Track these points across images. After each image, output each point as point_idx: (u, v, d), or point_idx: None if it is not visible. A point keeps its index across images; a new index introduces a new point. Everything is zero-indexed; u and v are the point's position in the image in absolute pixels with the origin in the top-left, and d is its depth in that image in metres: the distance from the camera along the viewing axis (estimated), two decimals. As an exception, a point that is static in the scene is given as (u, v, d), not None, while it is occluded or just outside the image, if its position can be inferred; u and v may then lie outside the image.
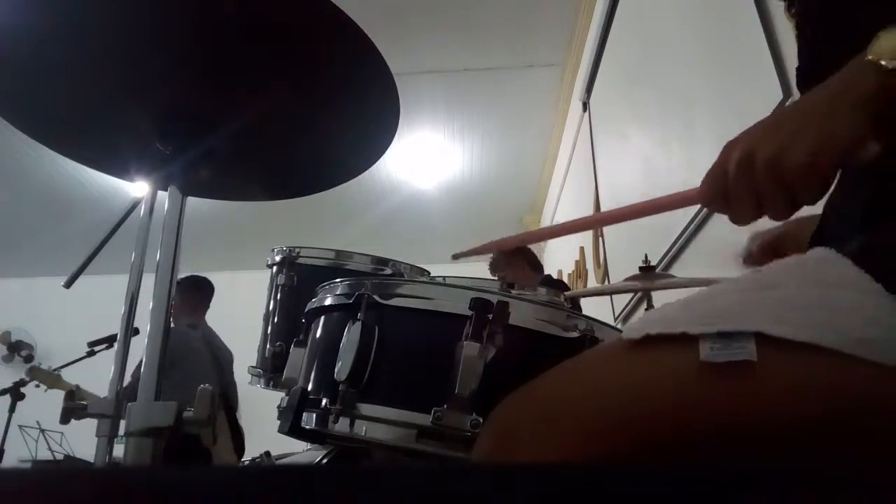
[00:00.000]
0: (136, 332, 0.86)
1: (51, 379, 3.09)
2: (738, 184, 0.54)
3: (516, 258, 2.69)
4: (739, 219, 0.56)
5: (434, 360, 0.70)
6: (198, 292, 3.13)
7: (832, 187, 0.56)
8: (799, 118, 0.52)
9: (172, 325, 2.75)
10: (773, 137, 0.52)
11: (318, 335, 0.84)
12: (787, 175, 0.51)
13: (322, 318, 0.84)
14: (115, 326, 0.89)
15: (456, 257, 0.80)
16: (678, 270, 2.26)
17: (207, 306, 3.18)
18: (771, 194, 0.52)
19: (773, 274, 0.54)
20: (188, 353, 2.77)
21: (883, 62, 0.48)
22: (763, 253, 1.04)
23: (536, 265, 2.79)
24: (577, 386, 0.56)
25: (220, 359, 2.99)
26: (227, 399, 2.90)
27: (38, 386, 3.14)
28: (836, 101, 0.51)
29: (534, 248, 6.06)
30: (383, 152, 0.94)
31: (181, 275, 0.81)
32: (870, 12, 0.57)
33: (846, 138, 0.49)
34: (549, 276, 3.14)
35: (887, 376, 0.46)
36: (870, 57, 0.49)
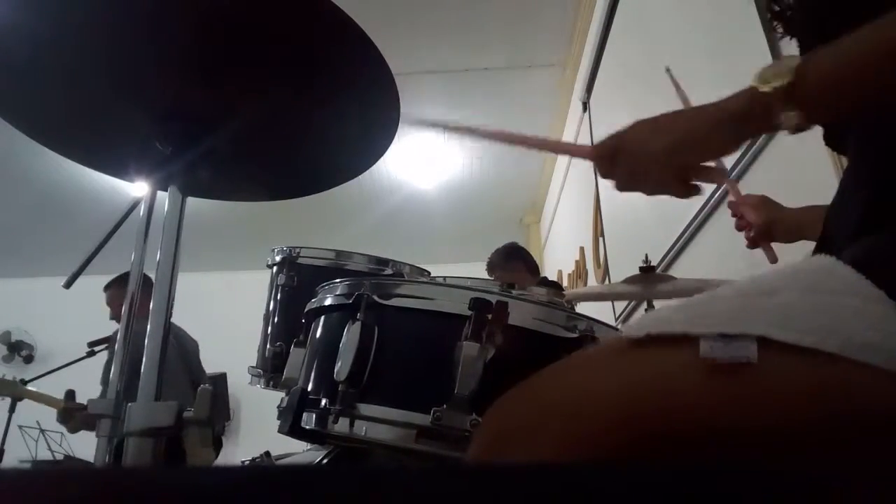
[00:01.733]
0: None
1: (9, 388, 3.03)
2: (617, 157, 0.65)
3: (514, 261, 2.69)
4: (620, 185, 0.67)
5: (434, 360, 0.70)
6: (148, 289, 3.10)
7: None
8: (675, 118, 0.63)
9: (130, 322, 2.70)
10: (647, 129, 0.63)
11: (317, 335, 0.84)
12: (645, 161, 0.62)
13: (322, 318, 0.84)
14: (114, 326, 0.89)
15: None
16: (678, 271, 2.26)
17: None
18: (638, 172, 0.64)
19: (774, 280, 0.54)
20: None
21: (761, 87, 0.54)
22: (755, 225, 1.08)
23: (534, 268, 2.78)
24: (574, 385, 0.55)
25: (187, 348, 2.91)
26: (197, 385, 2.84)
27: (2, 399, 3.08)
28: (711, 112, 0.59)
29: (534, 251, 6.08)
30: (383, 152, 0.94)
31: (181, 275, 0.81)
32: (851, 22, 0.58)
33: (707, 142, 0.59)
34: (545, 278, 3.13)
35: (889, 381, 0.46)
36: (751, 83, 0.55)
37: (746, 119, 0.56)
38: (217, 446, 2.79)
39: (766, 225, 1.08)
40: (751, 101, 0.55)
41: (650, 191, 0.64)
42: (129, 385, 0.74)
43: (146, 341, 0.73)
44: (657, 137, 0.61)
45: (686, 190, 0.64)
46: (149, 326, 0.74)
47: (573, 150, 0.74)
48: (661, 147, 0.61)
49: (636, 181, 0.65)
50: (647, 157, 0.62)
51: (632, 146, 0.64)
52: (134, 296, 0.87)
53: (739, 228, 1.12)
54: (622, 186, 0.67)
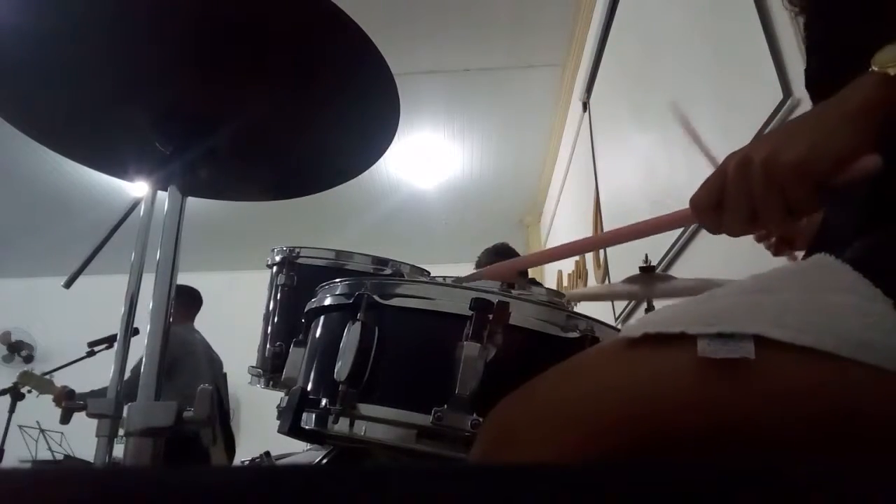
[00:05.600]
0: (136, 332, 0.86)
1: (42, 384, 3.08)
2: (734, 185, 0.54)
3: (501, 259, 2.69)
4: (733, 225, 0.56)
5: (434, 360, 0.70)
6: (190, 301, 3.17)
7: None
8: (796, 126, 0.54)
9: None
10: (770, 142, 0.53)
11: (317, 335, 0.84)
12: (780, 174, 0.51)
13: (322, 318, 0.84)
14: (115, 326, 0.89)
15: (460, 280, 0.77)
16: (678, 271, 2.26)
17: (195, 315, 3.22)
18: (765, 195, 0.52)
19: (772, 278, 0.55)
20: (189, 354, 2.81)
21: (889, 70, 0.49)
22: (780, 241, 1.03)
23: (523, 270, 2.79)
24: (574, 387, 0.56)
25: (215, 362, 3.02)
26: (221, 403, 2.93)
27: (29, 391, 3.13)
28: (832, 110, 0.52)
29: (534, 251, 6.06)
30: (383, 152, 0.94)
31: (181, 275, 0.81)
32: (881, 14, 0.57)
33: (839, 143, 0.51)
34: (534, 280, 3.14)
35: (886, 380, 0.46)
36: (874, 68, 0.50)
37: (871, 108, 0.50)
38: (229, 443, 2.83)
39: (787, 230, 1.01)
40: (878, 88, 0.50)
41: (778, 222, 0.54)
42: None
43: (146, 341, 0.73)
44: (788, 148, 0.51)
45: (822, 201, 0.54)
46: (149, 326, 0.74)
47: (675, 220, 0.63)
48: (795, 157, 0.50)
49: (761, 215, 0.53)
50: (782, 173, 0.51)
51: (748, 174, 0.53)
52: (134, 297, 0.87)
53: (759, 240, 1.08)
54: (737, 228, 0.55)
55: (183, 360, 2.75)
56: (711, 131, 1.95)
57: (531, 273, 5.49)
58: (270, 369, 1.14)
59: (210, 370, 2.93)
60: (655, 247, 2.28)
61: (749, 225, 0.55)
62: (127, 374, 0.86)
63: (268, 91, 0.83)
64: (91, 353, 3.05)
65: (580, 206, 4.12)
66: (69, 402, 0.81)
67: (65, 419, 0.86)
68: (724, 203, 0.55)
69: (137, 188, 0.96)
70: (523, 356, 0.71)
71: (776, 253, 1.05)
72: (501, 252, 2.73)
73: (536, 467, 0.32)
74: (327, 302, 0.82)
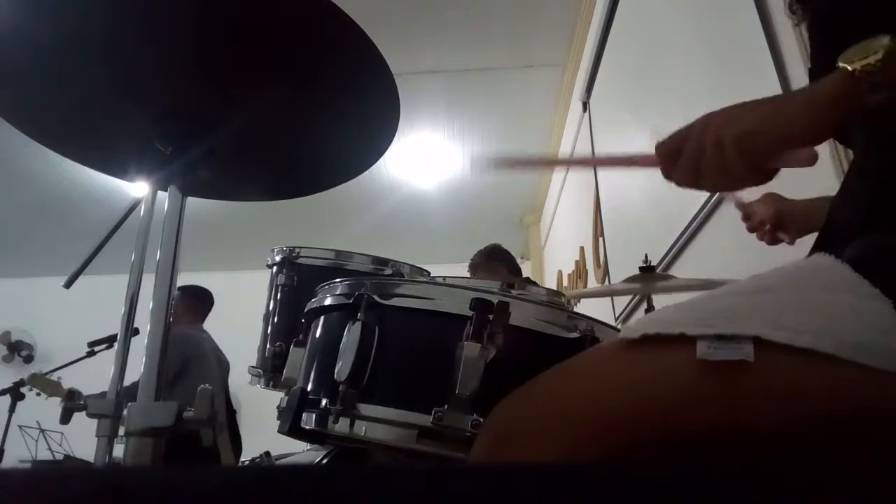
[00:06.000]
0: (136, 332, 0.86)
1: (51, 387, 3.09)
2: (692, 141, 0.61)
3: (495, 262, 2.69)
4: (681, 175, 0.63)
5: (434, 360, 0.70)
6: (199, 303, 3.17)
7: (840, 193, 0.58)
8: (759, 103, 0.59)
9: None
10: (728, 114, 0.60)
11: (317, 335, 0.84)
12: (724, 140, 0.57)
13: (322, 318, 0.84)
14: (115, 326, 0.89)
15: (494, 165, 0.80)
16: (678, 271, 2.26)
17: (206, 316, 3.22)
18: (709, 156, 0.59)
19: (771, 278, 0.55)
20: (200, 355, 2.83)
21: (848, 66, 0.53)
22: (767, 219, 1.05)
23: (516, 270, 2.79)
24: (573, 387, 0.56)
25: (223, 362, 3.04)
26: (228, 402, 2.94)
27: (38, 395, 3.14)
28: (798, 97, 0.58)
29: (534, 251, 6.06)
30: (383, 153, 0.94)
31: (181, 275, 0.81)
32: (880, 18, 0.58)
33: (790, 126, 0.56)
34: (529, 279, 3.14)
35: (885, 381, 0.46)
36: (839, 64, 0.54)
37: (835, 100, 0.54)
38: (236, 442, 2.85)
39: (778, 218, 1.06)
40: (840, 82, 0.53)
41: (716, 185, 0.61)
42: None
43: (146, 341, 0.73)
44: (735, 123, 0.58)
45: (762, 178, 0.59)
46: (149, 326, 0.74)
47: (641, 160, 0.69)
48: (735, 133, 0.57)
49: (703, 174, 0.60)
50: (720, 145, 0.57)
51: (705, 134, 0.59)
52: (134, 297, 0.87)
53: (753, 229, 1.09)
54: (683, 180, 0.62)
55: (195, 361, 2.77)
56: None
57: (528, 274, 5.49)
58: (270, 369, 1.14)
59: (219, 370, 2.94)
60: (655, 246, 2.28)
61: (694, 179, 0.61)
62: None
63: (268, 91, 0.83)
64: (91, 353, 3.06)
65: (580, 206, 4.12)
66: (70, 402, 0.81)
67: (65, 419, 0.85)
68: (675, 166, 0.62)
69: (137, 188, 0.96)
70: (523, 356, 0.71)
71: (770, 241, 1.07)
72: (494, 253, 2.74)
73: (536, 467, 0.32)
74: (327, 302, 0.82)
